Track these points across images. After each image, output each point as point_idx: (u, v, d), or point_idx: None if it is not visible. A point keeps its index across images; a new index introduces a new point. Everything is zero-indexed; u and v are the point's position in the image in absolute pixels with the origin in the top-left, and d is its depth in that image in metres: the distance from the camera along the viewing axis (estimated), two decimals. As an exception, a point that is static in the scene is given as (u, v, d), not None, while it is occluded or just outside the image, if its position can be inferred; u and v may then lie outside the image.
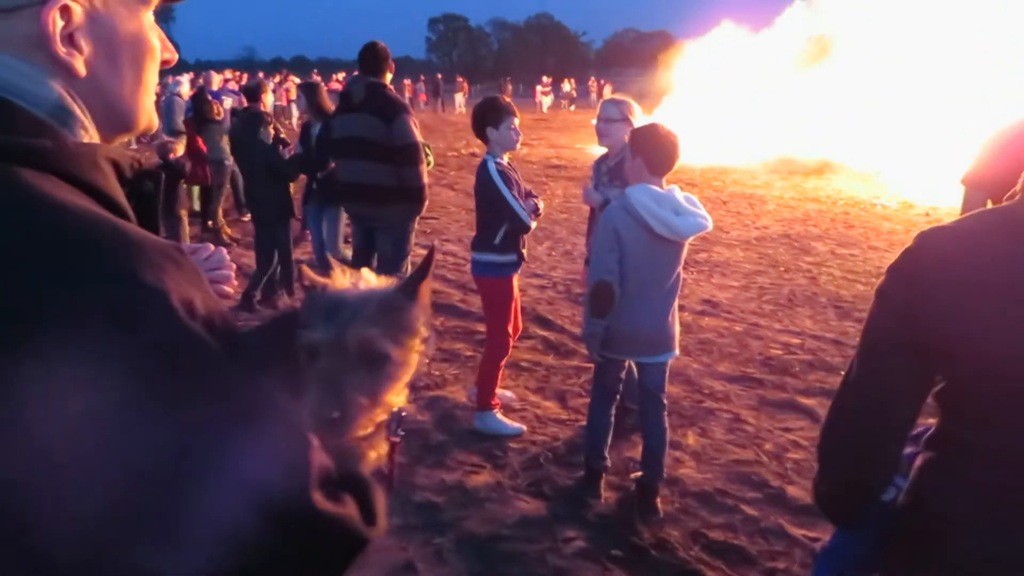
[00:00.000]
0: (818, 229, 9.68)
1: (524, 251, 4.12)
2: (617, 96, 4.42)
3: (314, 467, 0.71)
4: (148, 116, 0.85)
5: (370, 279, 0.93)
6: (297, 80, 23.87)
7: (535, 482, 3.63)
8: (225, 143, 8.11)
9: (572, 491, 3.55)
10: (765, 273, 7.48)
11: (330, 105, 6.02)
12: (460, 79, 40.47)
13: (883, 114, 15.71)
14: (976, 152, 3.62)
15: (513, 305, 4.15)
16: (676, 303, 3.39)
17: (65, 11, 0.73)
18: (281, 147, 6.10)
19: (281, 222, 6.02)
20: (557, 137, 22.60)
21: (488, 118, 4.01)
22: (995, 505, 1.18)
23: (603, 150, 4.17)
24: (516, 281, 4.17)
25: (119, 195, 0.77)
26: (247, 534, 0.63)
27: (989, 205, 3.55)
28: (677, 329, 3.42)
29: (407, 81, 35.85)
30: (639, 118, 4.05)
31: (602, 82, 43.66)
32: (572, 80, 44.65)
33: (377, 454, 0.90)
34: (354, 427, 0.84)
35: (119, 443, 0.60)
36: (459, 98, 35.77)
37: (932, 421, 1.31)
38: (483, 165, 4.01)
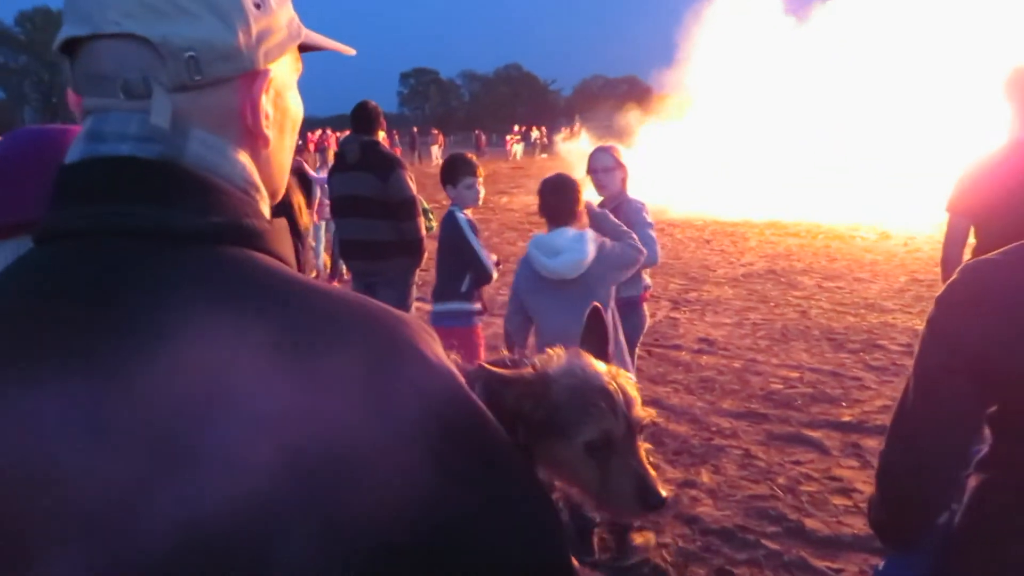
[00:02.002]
0: (802, 263, 9.85)
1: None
2: (604, 143, 4.55)
3: (565, 528, 0.75)
4: (285, 185, 0.82)
5: (559, 352, 0.94)
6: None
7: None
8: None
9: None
10: (756, 309, 7.59)
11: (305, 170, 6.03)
12: (435, 131, 40.95)
13: (856, 145, 16.12)
14: (957, 180, 3.62)
15: (480, 353, 4.14)
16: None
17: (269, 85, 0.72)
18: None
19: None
20: (535, 184, 22.64)
21: (446, 177, 4.23)
22: None
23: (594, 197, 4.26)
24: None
25: None
26: None
27: (971, 232, 3.61)
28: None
29: (383, 135, 36.13)
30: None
31: (576, 128, 44.34)
32: (542, 128, 45.28)
33: None
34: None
35: (419, 519, 0.60)
36: (435, 150, 36.18)
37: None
38: (449, 215, 4.15)
